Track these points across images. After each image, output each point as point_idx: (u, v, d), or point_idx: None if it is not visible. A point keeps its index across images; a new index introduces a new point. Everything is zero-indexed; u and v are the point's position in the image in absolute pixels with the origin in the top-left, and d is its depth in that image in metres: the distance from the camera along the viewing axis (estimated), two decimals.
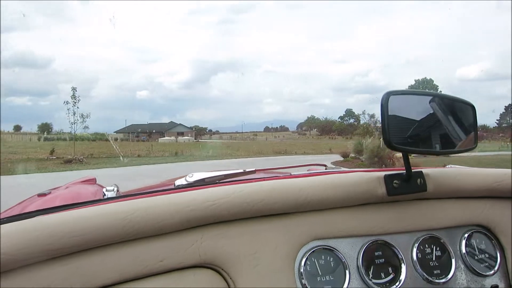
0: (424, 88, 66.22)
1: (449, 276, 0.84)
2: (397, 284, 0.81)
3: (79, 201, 0.94)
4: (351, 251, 0.82)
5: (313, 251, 0.79)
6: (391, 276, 0.82)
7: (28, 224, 0.66)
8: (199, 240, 0.73)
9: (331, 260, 0.80)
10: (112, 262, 0.68)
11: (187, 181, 1.00)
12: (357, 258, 0.81)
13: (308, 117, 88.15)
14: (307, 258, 0.78)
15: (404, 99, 0.84)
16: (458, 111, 0.89)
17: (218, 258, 0.73)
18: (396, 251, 0.84)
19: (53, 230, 0.64)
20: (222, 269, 0.73)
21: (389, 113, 0.78)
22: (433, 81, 65.81)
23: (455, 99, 0.90)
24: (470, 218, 0.92)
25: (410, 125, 0.83)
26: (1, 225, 0.64)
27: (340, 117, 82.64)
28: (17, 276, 0.63)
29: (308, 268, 0.77)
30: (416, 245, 0.86)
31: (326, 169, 1.30)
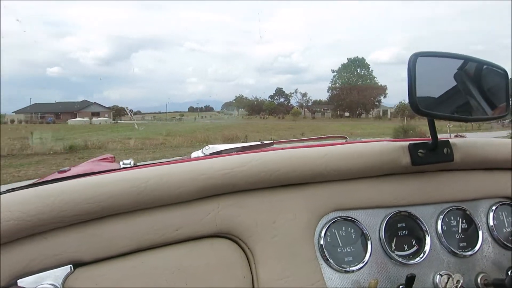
0: (356, 66, 66.13)
1: (476, 248, 0.82)
2: (421, 256, 0.78)
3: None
4: (373, 222, 0.80)
5: (333, 222, 0.77)
6: (415, 248, 0.80)
7: (43, 190, 0.65)
8: (216, 209, 0.72)
9: (352, 231, 0.78)
10: (128, 230, 0.67)
11: (203, 153, 0.97)
12: (379, 230, 0.79)
13: (236, 96, 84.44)
14: (327, 229, 0.76)
15: (433, 61, 0.78)
16: (489, 76, 0.83)
17: (235, 227, 0.72)
18: (420, 223, 0.81)
19: (68, 196, 0.64)
20: (240, 239, 0.72)
21: (417, 76, 0.74)
22: (365, 60, 66.08)
23: (487, 63, 0.83)
24: (498, 190, 0.90)
25: (439, 89, 0.79)
26: (17, 191, 0.65)
27: (270, 96, 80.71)
28: (32, 242, 0.63)
29: (328, 239, 0.76)
30: (441, 217, 0.83)
31: (346, 141, 1.18)
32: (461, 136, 1.36)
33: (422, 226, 0.81)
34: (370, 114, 64.56)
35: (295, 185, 0.78)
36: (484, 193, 0.89)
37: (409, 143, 0.82)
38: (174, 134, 22.29)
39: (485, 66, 0.84)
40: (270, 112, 70.51)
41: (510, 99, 0.85)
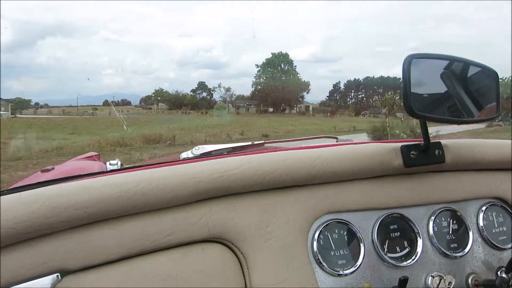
0: (280, 62, 66.08)
1: (466, 249, 0.83)
2: (413, 257, 0.79)
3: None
4: (365, 224, 0.80)
5: (326, 225, 0.77)
6: (407, 250, 0.81)
7: (29, 196, 0.63)
8: (208, 214, 0.71)
9: (344, 234, 0.78)
10: (117, 237, 0.66)
11: (193, 153, 0.94)
12: (371, 232, 0.79)
13: (155, 89, 79.57)
14: (320, 232, 0.76)
15: (427, 63, 0.79)
16: (477, 76, 0.85)
17: (228, 232, 0.71)
18: (412, 224, 0.82)
19: (54, 202, 0.62)
20: (233, 244, 0.71)
21: (411, 78, 0.74)
22: (288, 55, 66.28)
23: (478, 65, 0.85)
24: (488, 191, 0.91)
25: (432, 91, 0.81)
26: (1, 197, 0.62)
27: (192, 90, 77.60)
28: (18, 250, 0.61)
29: (321, 242, 0.76)
30: (433, 218, 0.84)
31: (337, 141, 1.19)
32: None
33: (414, 228, 0.82)
34: (294, 109, 65.29)
35: (288, 188, 0.77)
36: (475, 194, 0.90)
37: (401, 145, 0.83)
38: (81, 131, 18.72)
39: (472, 67, 0.84)
40: (193, 107, 67.76)
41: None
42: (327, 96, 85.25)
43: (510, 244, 0.87)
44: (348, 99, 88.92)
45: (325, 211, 0.78)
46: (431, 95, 0.81)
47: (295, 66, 66.55)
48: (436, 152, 0.84)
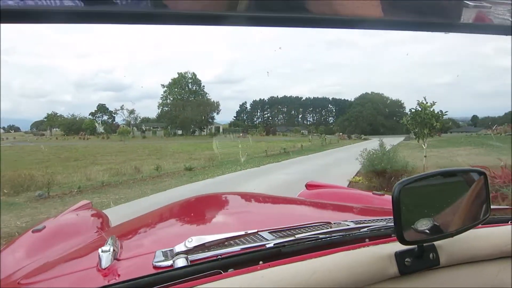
0: (187, 81, 63.55)
1: None
2: None
3: (78, 236, 1.08)
4: None
5: None
6: None
7: None
8: None
9: None
10: None
11: (186, 246, 0.90)
12: None
13: (48, 114, 70.76)
14: None
15: (416, 186, 0.82)
16: (469, 182, 0.88)
17: None
18: None
19: None
20: None
21: (402, 205, 0.77)
22: (196, 75, 64.00)
23: (463, 170, 0.91)
24: (485, 283, 0.92)
25: (424, 214, 0.83)
26: None
27: (92, 114, 70.75)
28: None
29: None
30: None
31: (331, 227, 1.07)
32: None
33: None
34: (204, 131, 63.17)
35: None
36: (472, 286, 0.91)
37: (395, 252, 0.84)
38: None
39: (462, 173, 0.90)
40: (92, 131, 61.46)
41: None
42: (234, 117, 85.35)
43: None
44: (255, 119, 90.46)
45: None
46: (424, 218, 0.82)
47: (203, 86, 64.63)
48: (431, 255, 0.86)
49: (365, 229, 0.98)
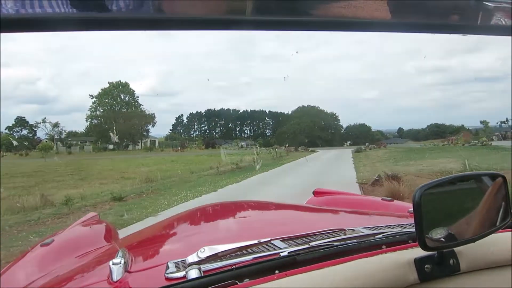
0: (119, 92, 59.57)
1: None
2: None
3: (87, 248, 1.15)
4: None
5: None
6: None
7: None
8: None
9: None
10: None
11: (199, 257, 0.88)
12: None
13: None
14: None
15: (435, 191, 0.81)
16: (486, 186, 0.86)
17: None
18: None
19: None
20: None
21: (423, 210, 0.76)
22: (129, 85, 60.10)
23: (481, 174, 0.90)
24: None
25: (444, 218, 0.82)
26: None
27: (9, 128, 63.55)
28: None
29: None
30: None
31: (345, 234, 1.04)
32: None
33: None
34: (138, 145, 59.53)
35: None
36: None
37: (415, 258, 0.83)
38: None
39: (482, 176, 0.89)
40: (8, 148, 55.04)
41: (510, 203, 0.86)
42: (170, 130, 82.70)
43: None
44: (192, 132, 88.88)
45: None
46: (446, 223, 0.81)
47: (137, 97, 60.94)
48: (451, 261, 0.84)
49: (381, 235, 0.96)
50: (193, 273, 0.82)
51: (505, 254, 0.90)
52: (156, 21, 0.61)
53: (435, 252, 0.82)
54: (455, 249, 0.85)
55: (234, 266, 0.82)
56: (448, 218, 0.82)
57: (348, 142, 68.32)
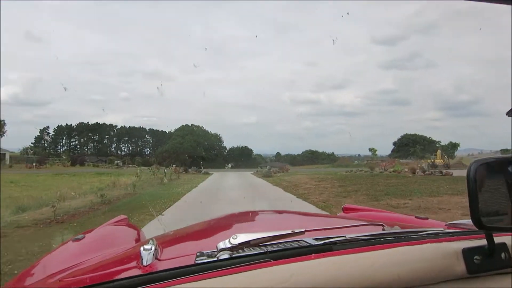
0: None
1: None
2: None
3: (116, 246, 1.23)
4: None
5: None
6: None
7: None
8: None
9: None
10: None
11: (231, 243, 0.85)
12: None
13: None
14: None
15: (493, 166, 0.75)
16: None
17: None
18: None
19: None
20: None
21: (479, 187, 0.72)
22: None
23: None
24: None
25: (502, 198, 0.76)
26: None
27: None
28: None
29: None
30: None
31: (383, 230, 1.04)
32: None
33: None
34: None
35: None
36: None
37: (463, 248, 0.77)
38: None
39: None
40: None
41: None
42: (32, 143, 71.16)
43: None
44: (59, 146, 78.63)
45: None
46: (501, 203, 0.74)
47: None
48: (502, 255, 0.78)
49: (423, 233, 0.91)
50: (224, 256, 0.79)
51: None
52: None
53: (486, 244, 0.76)
54: (508, 243, 0.79)
55: (268, 250, 0.80)
56: (505, 201, 0.74)
57: (230, 164, 67.74)
